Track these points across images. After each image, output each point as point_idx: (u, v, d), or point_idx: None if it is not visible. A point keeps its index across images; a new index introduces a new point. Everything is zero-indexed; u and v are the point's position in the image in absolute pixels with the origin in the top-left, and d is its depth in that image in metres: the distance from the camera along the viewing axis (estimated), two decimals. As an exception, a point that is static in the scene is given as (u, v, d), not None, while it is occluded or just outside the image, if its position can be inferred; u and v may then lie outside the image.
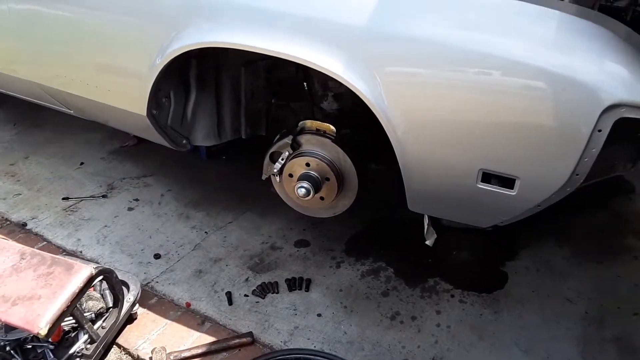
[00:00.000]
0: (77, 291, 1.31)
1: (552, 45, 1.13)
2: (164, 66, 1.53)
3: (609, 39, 1.10)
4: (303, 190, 1.64)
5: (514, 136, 1.17)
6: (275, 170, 1.72)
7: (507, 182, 1.23)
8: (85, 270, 1.34)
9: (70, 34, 1.72)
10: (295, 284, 1.79)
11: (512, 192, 1.23)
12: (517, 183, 1.21)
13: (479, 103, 1.18)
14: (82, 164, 2.39)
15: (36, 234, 1.97)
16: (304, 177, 1.67)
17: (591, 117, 1.07)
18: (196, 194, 2.22)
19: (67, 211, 2.09)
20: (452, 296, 1.76)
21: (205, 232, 2.02)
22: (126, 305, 1.57)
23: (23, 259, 1.38)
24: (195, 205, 2.16)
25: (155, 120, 1.72)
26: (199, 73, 1.76)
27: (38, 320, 1.22)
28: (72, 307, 1.30)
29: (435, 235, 1.52)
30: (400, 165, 1.35)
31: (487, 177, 1.25)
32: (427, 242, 1.54)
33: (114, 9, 1.58)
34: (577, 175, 1.15)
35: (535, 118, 1.13)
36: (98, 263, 1.84)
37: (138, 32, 1.57)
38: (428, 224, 1.54)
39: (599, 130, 1.08)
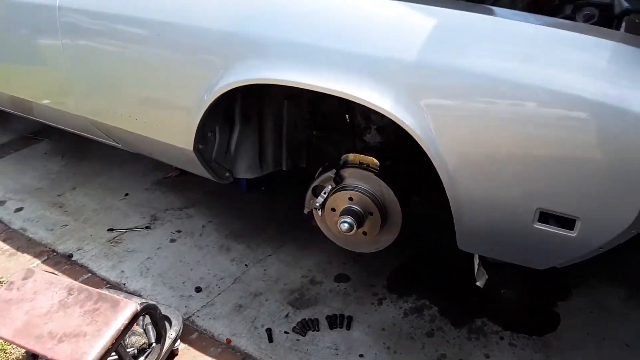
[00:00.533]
0: (122, 328, 1.31)
1: (613, 77, 1.08)
2: (212, 102, 1.56)
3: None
4: (346, 225, 1.62)
5: (575, 173, 1.11)
6: (317, 204, 1.70)
7: (567, 222, 1.17)
8: (130, 307, 1.34)
9: (120, 70, 1.77)
10: (336, 322, 1.75)
11: (572, 234, 1.16)
12: (578, 224, 1.15)
13: (537, 138, 1.14)
14: (126, 195, 2.44)
15: (81, 266, 2.01)
16: (346, 212, 1.64)
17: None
18: (237, 225, 2.22)
19: (111, 242, 2.13)
20: (502, 338, 1.68)
21: (245, 264, 2.01)
22: (168, 341, 1.56)
23: (70, 294, 1.39)
24: (236, 236, 2.16)
25: (201, 154, 1.74)
26: (243, 107, 1.78)
27: (83, 358, 1.23)
28: (117, 345, 1.31)
29: (486, 276, 1.46)
30: (450, 201, 1.30)
31: (544, 216, 1.19)
32: (478, 284, 1.48)
33: (164, 45, 1.62)
34: (645, 217, 1.09)
35: (597, 154, 1.08)
36: (141, 296, 1.85)
37: (187, 69, 1.61)
38: (479, 264, 1.49)
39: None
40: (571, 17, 1.45)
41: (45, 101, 2.11)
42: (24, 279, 1.44)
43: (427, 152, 1.27)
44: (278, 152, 1.93)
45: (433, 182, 1.36)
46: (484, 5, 1.39)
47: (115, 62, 1.76)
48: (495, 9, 1.37)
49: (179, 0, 1.60)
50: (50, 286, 1.42)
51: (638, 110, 1.03)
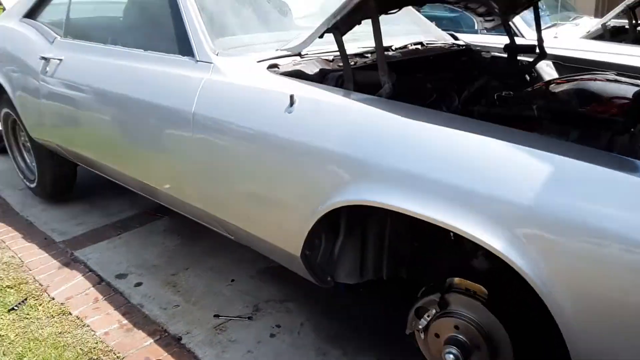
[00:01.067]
0: None
1: None
2: (324, 213, 1.64)
3: None
4: (451, 356, 1.57)
5: None
6: (420, 327, 1.67)
7: None
8: None
9: (241, 171, 1.93)
10: None
11: None
12: None
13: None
14: (232, 280, 2.56)
15: (189, 351, 2.12)
16: (452, 342, 1.59)
17: None
18: (334, 327, 2.23)
19: (216, 329, 2.23)
20: None
21: (342, 372, 2.00)
22: None
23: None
24: (333, 340, 2.16)
25: (306, 260, 1.81)
26: (349, 218, 1.83)
27: None
28: None
29: None
30: (569, 351, 1.23)
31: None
32: None
33: (285, 157, 1.77)
34: None
35: None
36: (240, 393, 1.90)
37: (305, 182, 1.73)
38: None
39: None
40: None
41: (168, 188, 2.33)
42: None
43: (540, 295, 1.24)
44: (379, 261, 1.95)
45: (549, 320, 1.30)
46: (613, 154, 1.35)
47: (237, 164, 1.93)
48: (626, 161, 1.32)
49: (301, 121, 1.73)
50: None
51: None
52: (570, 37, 4.35)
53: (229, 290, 2.50)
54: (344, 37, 1.93)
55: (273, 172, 1.82)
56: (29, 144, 3.40)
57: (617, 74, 2.37)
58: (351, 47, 2.25)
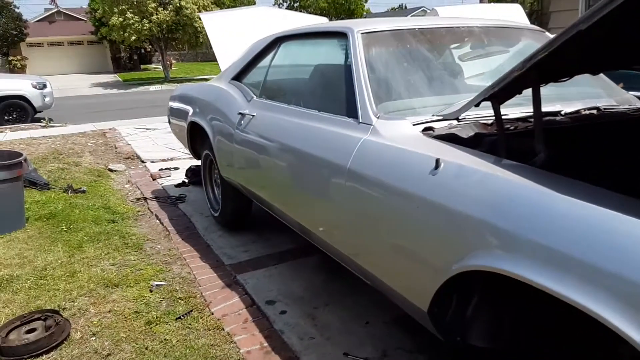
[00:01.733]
0: None
1: None
2: (455, 274, 1.69)
3: None
4: None
5: None
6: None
7: None
8: None
9: (379, 221, 2.08)
10: None
11: None
12: None
13: None
14: (367, 323, 2.69)
15: (315, 381, 2.29)
16: None
17: None
18: (459, 387, 2.19)
19: (343, 366, 2.37)
20: None
21: None
22: None
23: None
24: (456, 400, 2.12)
25: (434, 317, 1.85)
26: (485, 282, 1.84)
27: None
28: None
29: None
30: None
31: None
32: None
33: (421, 215, 1.87)
34: None
35: None
36: None
37: (443, 241, 1.79)
38: None
39: None
40: None
41: (320, 231, 2.60)
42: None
43: None
44: (517, 328, 1.88)
45: None
46: None
47: (379, 216, 2.09)
48: None
49: (443, 184, 1.81)
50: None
51: None
52: None
53: (362, 331, 2.62)
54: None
55: (412, 227, 1.92)
56: (219, 180, 4.08)
57: None
58: (515, 111, 2.30)
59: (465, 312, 1.89)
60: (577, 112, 2.44)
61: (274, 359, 2.45)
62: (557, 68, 1.98)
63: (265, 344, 2.56)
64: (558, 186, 1.56)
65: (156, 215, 4.52)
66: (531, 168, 1.76)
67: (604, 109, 2.54)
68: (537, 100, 1.86)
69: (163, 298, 3.03)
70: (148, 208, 4.76)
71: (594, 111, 2.50)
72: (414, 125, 2.23)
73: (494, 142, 2.04)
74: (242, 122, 3.43)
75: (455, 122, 2.26)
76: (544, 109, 2.45)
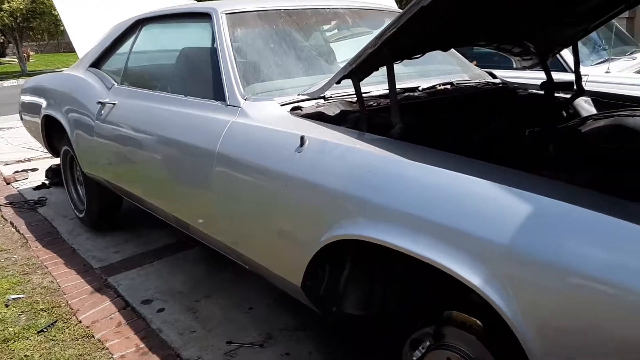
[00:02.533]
0: None
1: None
2: (325, 245, 1.71)
3: None
4: (441, 388, 1.55)
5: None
6: (414, 358, 1.67)
7: None
8: None
9: (256, 203, 2.04)
10: None
11: None
12: None
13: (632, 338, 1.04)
14: (250, 308, 2.64)
15: (197, 374, 2.19)
16: (443, 374, 1.58)
17: None
18: (340, 357, 2.24)
19: (227, 355, 2.30)
20: None
21: (343, 404, 1.99)
22: None
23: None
24: (339, 371, 2.17)
25: (308, 290, 1.87)
26: (355, 251, 1.89)
27: None
28: None
29: None
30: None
31: None
32: None
33: (290, 192, 1.86)
34: None
35: None
36: (240, 417, 1.94)
37: (309, 216, 1.81)
38: None
39: None
40: None
41: (195, 222, 2.49)
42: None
43: (515, 332, 1.23)
44: (386, 294, 1.96)
45: None
46: (593, 191, 1.36)
47: (249, 199, 2.05)
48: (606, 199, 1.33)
49: (308, 160, 1.83)
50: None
51: None
52: (624, 71, 4.30)
53: (246, 317, 2.57)
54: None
55: (281, 206, 1.92)
56: (81, 178, 3.73)
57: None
58: (379, 88, 2.37)
59: (339, 282, 1.92)
60: (433, 87, 2.60)
61: (151, 359, 2.30)
62: (408, 45, 2.09)
63: (142, 345, 2.40)
64: (411, 154, 1.64)
65: (11, 223, 4.03)
66: (389, 140, 1.84)
67: (457, 83, 2.75)
68: (391, 77, 1.95)
69: (22, 312, 2.71)
70: (1, 216, 4.22)
71: (448, 86, 2.69)
72: (281, 105, 2.22)
73: (357, 118, 2.10)
74: (103, 111, 3.16)
75: (322, 101, 2.29)
76: (406, 85, 2.60)
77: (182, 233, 3.12)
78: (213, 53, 2.50)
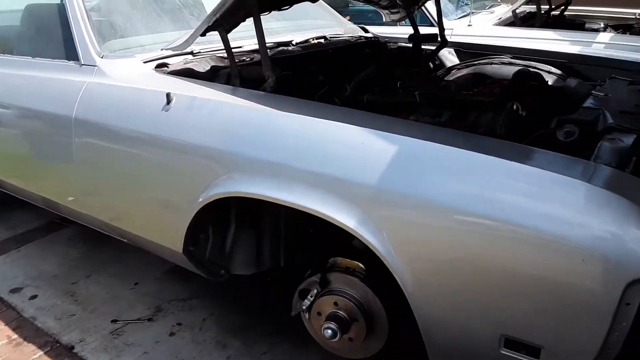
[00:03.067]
0: None
1: (569, 214, 1.08)
2: (203, 206, 1.64)
3: (633, 210, 1.03)
4: (330, 331, 1.60)
5: (535, 304, 1.09)
6: (304, 307, 1.70)
7: (533, 350, 1.12)
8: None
9: (122, 172, 1.90)
10: None
11: (538, 362, 1.11)
12: (543, 353, 1.10)
13: (490, 262, 1.14)
14: (136, 284, 2.50)
15: (80, 358, 2.04)
16: (331, 317, 1.63)
17: (616, 290, 0.97)
18: (237, 318, 2.22)
19: (113, 334, 2.16)
20: None
21: (240, 363, 1.99)
22: None
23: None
24: (235, 331, 2.15)
25: (191, 256, 1.80)
26: (239, 210, 1.84)
27: None
28: None
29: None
30: (416, 318, 1.29)
31: (510, 343, 1.15)
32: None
33: (160, 154, 1.75)
34: (609, 350, 1.03)
35: (554, 287, 1.06)
36: (131, 394, 1.85)
37: (178, 178, 1.72)
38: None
39: (627, 304, 0.97)
40: (552, 134, 1.46)
41: (66, 201, 2.26)
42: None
43: (390, 269, 1.29)
44: (275, 249, 1.96)
45: None
46: (452, 130, 1.44)
47: (118, 164, 1.90)
48: (462, 136, 1.41)
49: (176, 119, 1.72)
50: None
51: (595, 249, 1.02)
52: (484, 24, 4.61)
53: (132, 293, 2.43)
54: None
55: (151, 172, 1.80)
56: None
57: (513, 57, 2.54)
58: (252, 42, 2.28)
59: (224, 244, 1.88)
60: (307, 41, 2.58)
61: (26, 348, 2.10)
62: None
63: (15, 336, 2.17)
64: (283, 106, 1.62)
65: None
66: (262, 93, 1.79)
67: (330, 37, 2.76)
68: (259, 28, 1.87)
69: None
70: None
71: (322, 40, 2.68)
72: (144, 62, 2.05)
73: (228, 74, 2.02)
74: None
75: (190, 57, 2.17)
76: (279, 39, 2.55)
77: (53, 213, 2.85)
78: (61, 7, 2.22)
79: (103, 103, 1.94)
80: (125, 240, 2.18)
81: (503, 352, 1.15)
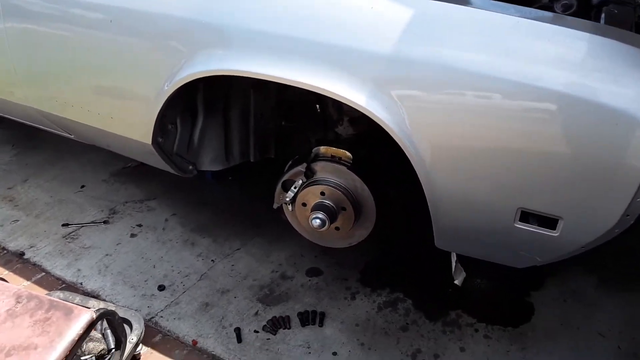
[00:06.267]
0: (76, 339, 1.20)
1: (585, 69, 1.03)
2: (172, 92, 1.44)
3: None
4: (318, 221, 1.54)
5: (555, 173, 1.06)
6: (287, 199, 1.62)
7: (549, 222, 1.12)
8: (85, 315, 1.23)
9: (69, 56, 1.62)
10: (308, 319, 1.69)
11: (555, 233, 1.12)
12: (560, 224, 1.11)
13: (512, 133, 1.08)
14: (82, 186, 2.29)
15: (34, 264, 1.87)
16: (318, 207, 1.57)
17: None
18: (202, 218, 2.12)
19: (66, 239, 1.99)
20: (476, 331, 1.65)
21: (212, 260, 1.92)
22: (129, 347, 1.46)
23: (19, 302, 1.27)
24: (202, 230, 2.06)
25: (160, 148, 1.62)
26: (207, 97, 1.66)
27: (34, 374, 1.12)
28: (72, 357, 1.20)
29: (464, 274, 1.42)
30: (427, 199, 1.24)
31: (526, 216, 1.14)
32: (456, 282, 1.44)
33: (118, 31, 1.48)
34: (628, 216, 1.05)
35: (572, 150, 1.03)
36: (99, 296, 1.74)
37: (144, 58, 1.47)
38: (456, 262, 1.44)
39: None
40: (549, 7, 1.39)
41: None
42: (-35, 286, 1.31)
43: (403, 147, 1.20)
44: (245, 143, 1.82)
45: (409, 175, 1.30)
46: None
47: (63, 48, 1.61)
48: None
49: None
50: (-5, 294, 1.29)
51: (610, 104, 0.98)
52: None
53: (79, 197, 2.23)
54: None
55: (109, 50, 1.53)
56: None
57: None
58: None
59: (192, 136, 1.71)
60: None
61: (-34, 262, 1.89)
62: None
63: (-51, 250, 1.94)
64: None
65: None
66: None
67: None
68: None
69: None
70: None
71: None
72: None
73: None
74: None
75: None
76: None
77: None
78: None
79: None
80: (73, 136, 1.93)
81: (518, 225, 1.15)
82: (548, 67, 1.03)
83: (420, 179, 1.22)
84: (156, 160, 1.70)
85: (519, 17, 1.11)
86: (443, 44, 1.11)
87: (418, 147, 1.18)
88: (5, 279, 1.77)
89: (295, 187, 1.61)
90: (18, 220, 2.08)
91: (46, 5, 1.59)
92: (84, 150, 2.46)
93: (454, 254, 1.47)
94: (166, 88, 1.44)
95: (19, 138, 2.59)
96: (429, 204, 1.24)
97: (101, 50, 1.55)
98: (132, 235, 2.02)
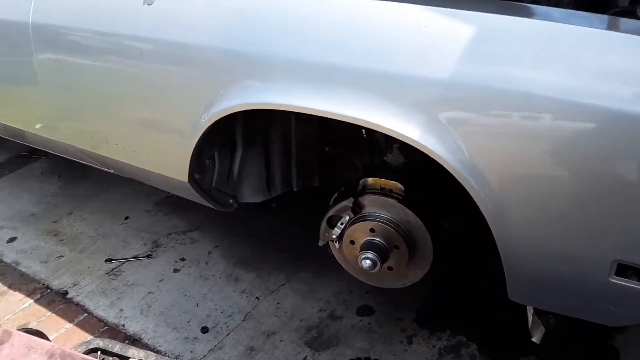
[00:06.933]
0: (109, 404, 1.12)
1: None
2: (209, 126, 1.34)
3: None
4: (368, 262, 1.40)
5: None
6: (334, 237, 1.48)
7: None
8: (118, 377, 1.15)
9: (100, 92, 1.57)
10: (361, 366, 1.54)
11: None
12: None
13: (610, 169, 0.90)
14: (126, 218, 2.25)
15: (77, 304, 1.82)
16: (368, 246, 1.42)
17: None
18: (245, 250, 2.02)
19: (109, 275, 1.94)
20: (554, 382, 1.45)
21: (257, 297, 1.81)
22: (169, 402, 1.37)
23: (52, 361, 1.20)
24: (245, 264, 1.96)
25: (197, 184, 1.53)
26: (245, 128, 1.56)
27: None
28: (105, 423, 1.12)
29: (543, 330, 1.23)
30: (498, 247, 1.07)
31: (623, 269, 0.95)
32: (534, 339, 1.25)
33: (149, 65, 1.40)
34: None
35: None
36: (141, 340, 1.66)
37: (182, 89, 1.39)
38: (533, 315, 1.25)
39: None
40: (631, 12, 1.19)
41: (34, 129, 1.92)
42: (0, 343, 1.25)
43: (462, 183, 1.04)
44: (287, 172, 1.71)
45: (466, 205, 1.13)
46: (521, 4, 1.14)
47: (96, 80, 1.55)
48: (537, 8, 1.13)
49: (163, 12, 1.37)
50: (29, 352, 1.23)
51: None
52: None
53: (123, 229, 2.18)
54: None
55: (139, 84, 1.46)
56: None
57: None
58: None
59: (232, 169, 1.61)
60: None
61: (13, 297, 1.87)
62: None
63: (-3, 286, 1.93)
64: None
65: None
66: None
67: None
68: None
69: None
70: None
71: None
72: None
73: None
74: None
75: None
76: None
77: (20, 146, 2.51)
78: None
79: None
80: (112, 171, 1.88)
81: (613, 281, 0.96)
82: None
83: (488, 222, 1.05)
84: (195, 197, 1.61)
85: (603, 29, 0.93)
86: (508, 65, 0.95)
87: (478, 177, 1.03)
88: (47, 321, 1.74)
89: (342, 224, 1.47)
90: (63, 256, 2.06)
91: (75, 41, 1.54)
92: (128, 181, 2.42)
93: (530, 307, 1.28)
94: (203, 121, 1.35)
95: (66, 168, 2.60)
96: (500, 254, 1.07)
97: (135, 83, 1.48)
98: (175, 271, 1.94)
